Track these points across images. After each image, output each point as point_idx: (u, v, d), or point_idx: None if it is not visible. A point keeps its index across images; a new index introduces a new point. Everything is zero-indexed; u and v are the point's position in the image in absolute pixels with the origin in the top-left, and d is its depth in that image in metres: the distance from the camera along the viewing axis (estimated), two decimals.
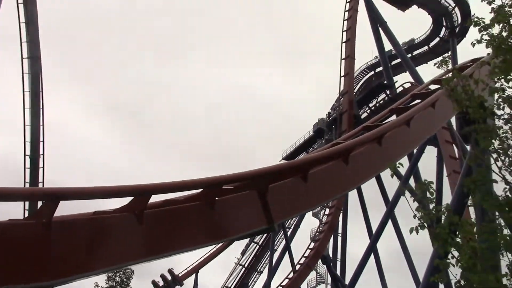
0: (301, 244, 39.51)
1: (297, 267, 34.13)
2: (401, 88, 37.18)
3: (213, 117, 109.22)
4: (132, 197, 7.54)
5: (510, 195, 6.32)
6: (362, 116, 38.44)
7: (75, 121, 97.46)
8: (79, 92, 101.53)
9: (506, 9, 7.16)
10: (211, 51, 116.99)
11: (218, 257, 39.59)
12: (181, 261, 39.49)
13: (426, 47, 45.70)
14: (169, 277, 34.26)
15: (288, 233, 38.85)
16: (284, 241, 38.60)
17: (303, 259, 34.74)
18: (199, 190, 8.70)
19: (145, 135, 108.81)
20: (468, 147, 15.23)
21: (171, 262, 33.97)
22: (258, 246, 43.78)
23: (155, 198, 8.09)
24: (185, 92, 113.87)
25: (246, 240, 41.69)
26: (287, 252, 35.97)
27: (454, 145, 29.33)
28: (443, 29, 44.40)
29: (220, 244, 35.94)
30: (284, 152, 47.30)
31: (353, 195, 33.65)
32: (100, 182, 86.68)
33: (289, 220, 38.22)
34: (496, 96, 6.94)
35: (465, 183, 6.77)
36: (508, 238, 6.37)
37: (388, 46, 39.96)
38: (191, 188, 8.63)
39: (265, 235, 39.32)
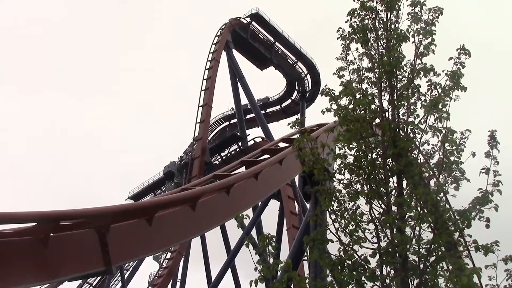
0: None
1: None
2: (252, 142, 38.78)
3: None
4: None
5: (343, 255, 6.80)
6: (214, 164, 39.08)
7: None
8: None
9: (354, 84, 7.96)
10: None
11: None
12: None
13: (278, 107, 48.69)
14: None
15: (126, 276, 37.29)
16: (120, 284, 36.86)
17: None
18: (33, 224, 7.99)
19: None
20: (308, 205, 16.21)
21: None
22: None
23: None
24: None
25: (79, 280, 38.94)
26: None
27: (295, 201, 31.18)
28: (295, 92, 47.80)
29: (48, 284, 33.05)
30: (131, 191, 46.00)
31: (196, 240, 33.61)
32: None
33: (128, 262, 36.76)
34: (338, 161, 7.56)
35: (305, 240, 7.13)
36: None
37: (244, 100, 41.76)
38: (23, 221, 7.88)
39: (100, 276, 37.23)
